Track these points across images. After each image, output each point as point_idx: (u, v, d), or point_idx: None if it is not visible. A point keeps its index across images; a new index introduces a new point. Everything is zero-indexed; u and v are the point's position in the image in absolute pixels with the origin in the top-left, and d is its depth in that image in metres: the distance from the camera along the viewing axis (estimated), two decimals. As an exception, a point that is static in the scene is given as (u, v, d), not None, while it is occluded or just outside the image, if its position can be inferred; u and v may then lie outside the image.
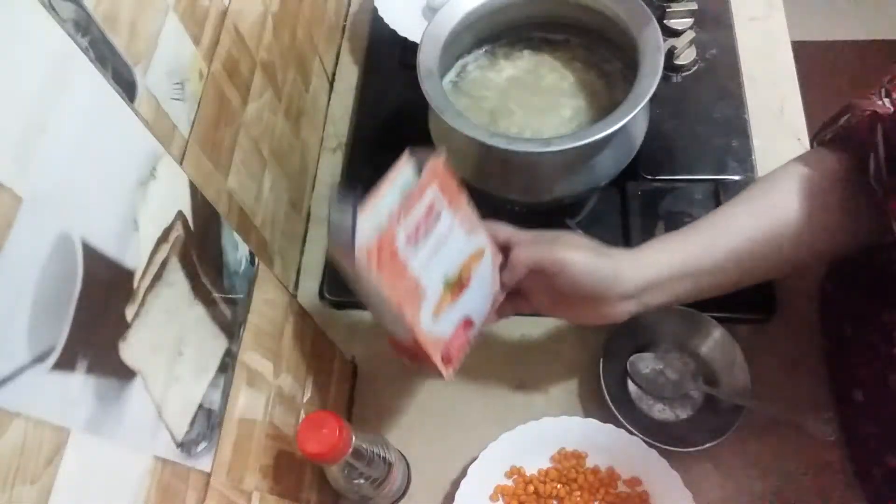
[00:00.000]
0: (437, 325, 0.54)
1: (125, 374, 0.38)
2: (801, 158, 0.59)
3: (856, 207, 0.55)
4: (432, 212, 0.52)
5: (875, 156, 0.51)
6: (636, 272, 0.56)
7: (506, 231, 0.58)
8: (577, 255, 0.54)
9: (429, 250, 0.52)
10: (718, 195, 0.74)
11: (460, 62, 0.73)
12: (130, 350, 0.38)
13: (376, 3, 0.88)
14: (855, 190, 0.55)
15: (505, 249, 0.58)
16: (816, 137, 0.61)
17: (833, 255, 0.63)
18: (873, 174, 0.51)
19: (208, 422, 0.47)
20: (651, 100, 0.58)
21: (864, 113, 0.53)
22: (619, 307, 0.57)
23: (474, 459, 0.64)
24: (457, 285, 0.55)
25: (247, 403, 0.52)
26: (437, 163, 0.52)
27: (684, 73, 0.83)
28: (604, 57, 0.71)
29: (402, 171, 0.52)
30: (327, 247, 0.54)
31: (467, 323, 0.58)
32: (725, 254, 0.57)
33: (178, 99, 0.49)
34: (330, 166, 0.86)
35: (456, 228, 0.54)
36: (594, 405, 0.68)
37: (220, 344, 0.49)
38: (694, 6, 0.85)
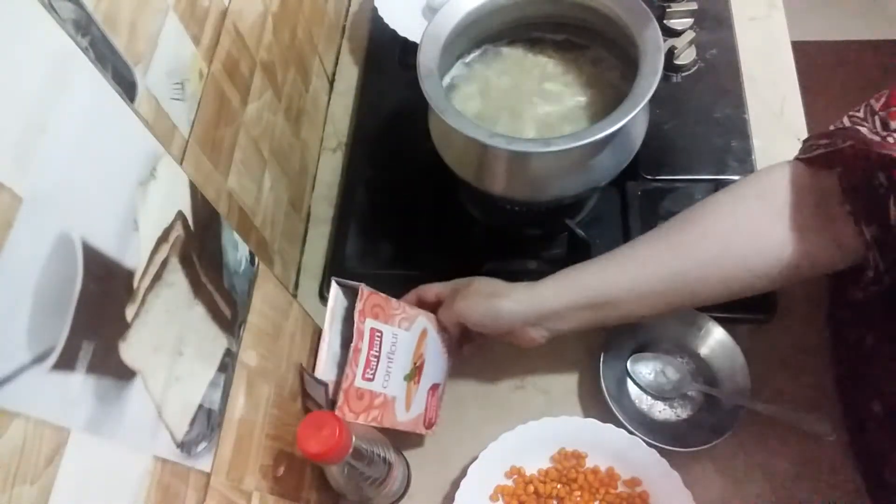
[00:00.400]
0: (410, 412, 0.63)
1: (125, 374, 0.38)
2: (765, 178, 0.57)
3: (818, 237, 0.53)
4: (374, 338, 0.58)
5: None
6: (527, 306, 0.60)
7: (432, 291, 0.65)
8: (468, 303, 0.61)
9: (383, 369, 0.59)
10: (718, 195, 0.74)
11: (460, 62, 0.73)
12: (130, 350, 0.38)
13: (376, 3, 0.88)
14: (827, 216, 0.53)
15: (439, 305, 0.65)
16: (801, 148, 0.58)
17: (773, 288, 0.60)
18: (895, 221, 0.49)
19: (208, 422, 0.47)
20: (651, 100, 0.58)
21: (863, 145, 0.50)
22: (530, 334, 0.61)
23: (474, 459, 0.64)
24: (415, 373, 0.63)
25: (247, 403, 0.52)
26: (362, 300, 0.57)
27: (684, 73, 0.83)
28: (604, 57, 0.71)
29: (335, 300, 0.60)
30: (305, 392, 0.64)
31: (434, 388, 0.66)
32: (628, 289, 0.58)
33: (178, 99, 0.49)
34: (330, 166, 0.86)
35: (398, 334, 0.61)
36: (594, 405, 0.68)
37: (220, 344, 0.49)
38: (694, 6, 0.85)
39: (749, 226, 0.55)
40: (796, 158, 0.57)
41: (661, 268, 0.57)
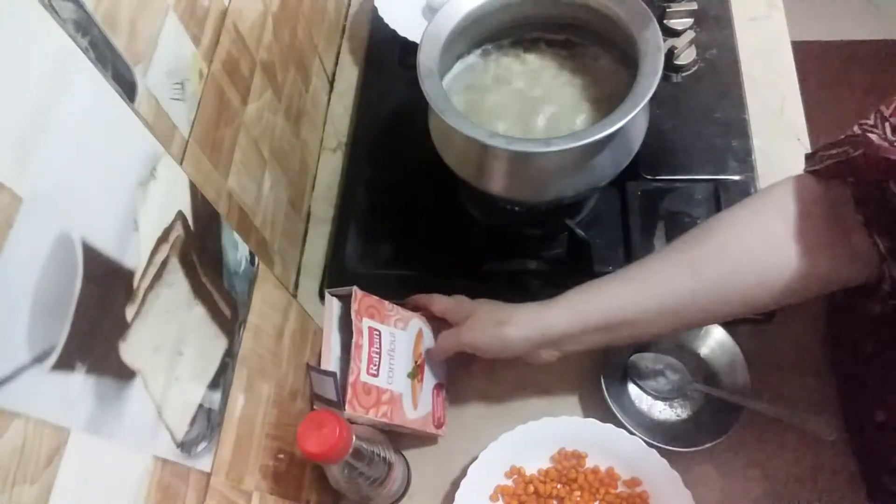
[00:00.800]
0: (418, 410, 0.64)
1: (125, 374, 0.38)
2: (777, 192, 0.56)
3: (833, 251, 0.52)
4: (373, 336, 0.61)
5: None
6: (536, 331, 0.59)
7: (439, 306, 0.66)
8: (476, 334, 0.61)
9: (386, 366, 0.61)
10: (718, 195, 0.74)
11: (460, 62, 0.72)
12: (130, 350, 0.38)
13: (376, 3, 0.88)
14: (841, 228, 0.52)
15: (441, 317, 0.66)
16: (809, 160, 0.57)
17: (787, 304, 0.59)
18: None
19: (208, 422, 0.47)
20: (651, 100, 0.58)
21: (874, 153, 0.49)
22: (539, 355, 0.61)
23: (474, 459, 0.64)
24: (417, 371, 0.65)
25: (247, 403, 0.52)
26: (356, 301, 0.60)
27: (684, 73, 0.83)
28: (604, 57, 0.70)
29: (332, 309, 0.62)
30: (312, 393, 0.65)
31: (438, 387, 0.68)
32: (643, 310, 0.57)
33: (178, 99, 0.49)
34: (330, 166, 0.86)
35: (396, 333, 0.63)
36: (594, 405, 0.68)
37: (220, 344, 0.49)
38: (694, 6, 0.85)
39: (764, 242, 0.54)
40: (807, 171, 0.56)
41: (678, 286, 0.56)
